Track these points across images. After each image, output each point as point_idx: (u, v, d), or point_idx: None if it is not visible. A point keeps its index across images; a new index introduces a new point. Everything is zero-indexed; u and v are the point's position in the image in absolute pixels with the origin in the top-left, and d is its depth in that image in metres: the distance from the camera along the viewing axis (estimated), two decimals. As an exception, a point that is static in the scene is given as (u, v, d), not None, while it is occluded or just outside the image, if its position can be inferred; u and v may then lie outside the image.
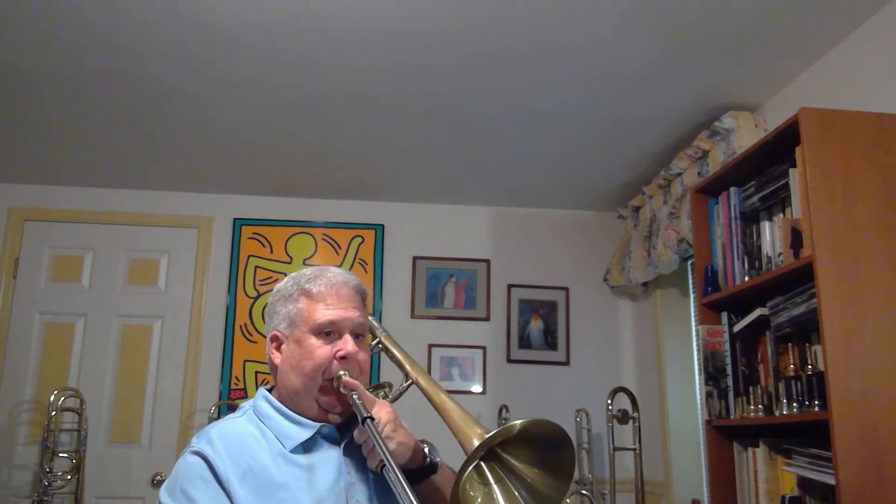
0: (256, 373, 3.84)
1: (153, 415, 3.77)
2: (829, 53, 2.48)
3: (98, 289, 3.89)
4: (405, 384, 1.48)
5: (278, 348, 1.37)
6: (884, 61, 2.21)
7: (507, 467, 1.25)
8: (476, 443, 1.20)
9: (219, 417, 3.60)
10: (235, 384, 3.82)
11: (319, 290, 1.35)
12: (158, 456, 3.70)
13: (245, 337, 3.88)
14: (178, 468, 1.24)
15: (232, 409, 3.63)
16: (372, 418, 1.21)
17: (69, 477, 3.40)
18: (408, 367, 1.48)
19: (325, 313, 1.33)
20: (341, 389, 1.29)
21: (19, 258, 3.87)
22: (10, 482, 3.61)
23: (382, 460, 1.16)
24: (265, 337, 1.42)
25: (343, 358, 1.31)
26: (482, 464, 1.25)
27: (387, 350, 1.56)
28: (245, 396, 3.79)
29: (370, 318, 1.58)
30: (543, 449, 1.23)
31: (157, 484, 3.65)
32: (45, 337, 3.81)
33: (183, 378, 3.81)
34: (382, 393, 1.54)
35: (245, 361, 3.85)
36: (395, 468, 1.12)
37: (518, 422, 1.20)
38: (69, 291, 3.87)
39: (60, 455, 3.41)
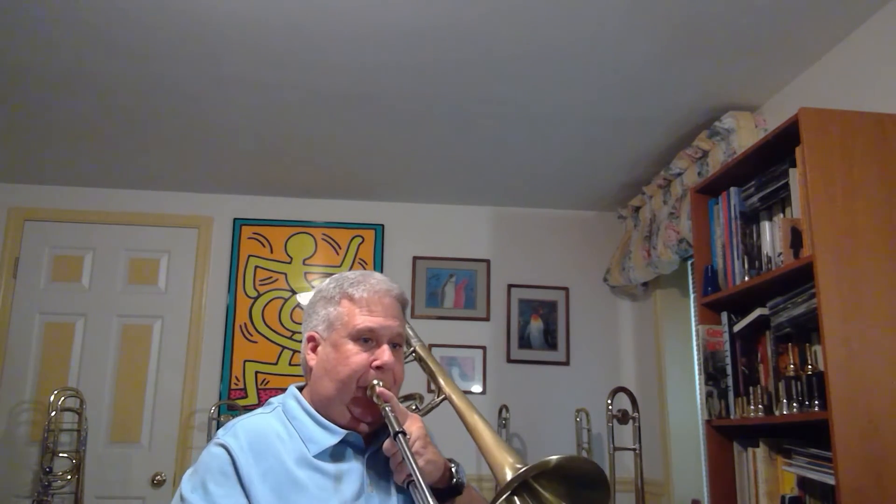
0: (256, 373, 3.84)
1: (153, 415, 3.77)
2: (829, 53, 2.48)
3: (98, 289, 3.89)
4: (437, 399, 1.44)
5: (314, 350, 1.35)
6: (884, 61, 2.21)
7: (537, 498, 1.22)
8: (509, 474, 1.17)
9: (219, 417, 3.61)
10: (235, 384, 3.82)
11: (362, 295, 1.33)
12: (158, 456, 3.71)
13: (245, 337, 3.88)
14: (202, 459, 1.23)
15: (232, 409, 3.67)
16: (404, 433, 1.19)
17: (69, 477, 3.40)
18: (441, 381, 1.44)
19: (365, 319, 1.31)
20: (375, 399, 1.26)
21: (19, 258, 3.87)
22: (10, 482, 3.61)
23: (410, 475, 1.15)
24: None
25: (379, 368, 1.29)
26: (513, 495, 1.21)
27: (420, 360, 1.53)
28: (245, 396, 3.79)
29: (407, 326, 1.55)
30: (578, 485, 1.20)
31: (157, 484, 3.65)
32: (45, 337, 3.81)
33: (183, 378, 3.81)
34: (413, 405, 1.52)
35: (245, 361, 3.85)
36: (425, 487, 1.10)
37: (554, 457, 1.17)
38: (69, 291, 3.87)
39: (60, 455, 3.42)
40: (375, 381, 1.28)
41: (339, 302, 1.34)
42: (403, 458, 1.17)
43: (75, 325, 3.84)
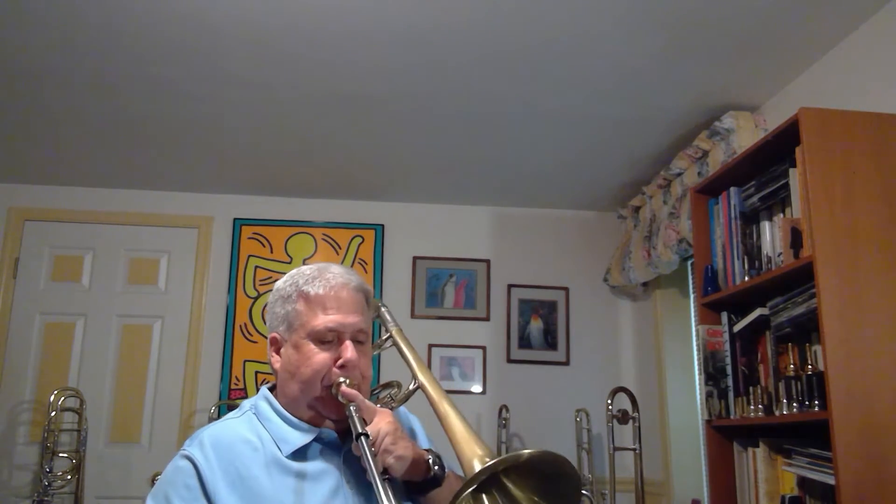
0: (256, 373, 3.84)
1: (153, 415, 3.77)
2: (829, 53, 2.48)
3: (98, 289, 3.89)
4: (411, 387, 1.41)
5: (277, 351, 1.32)
6: (884, 61, 2.21)
7: (505, 494, 1.18)
8: (477, 467, 1.13)
9: (219, 418, 3.60)
10: (235, 384, 3.82)
11: (318, 292, 1.28)
12: (158, 456, 3.70)
13: (245, 337, 3.88)
14: (166, 472, 1.21)
15: (232, 409, 3.65)
16: (367, 435, 1.16)
17: (69, 477, 3.40)
18: (415, 368, 1.41)
19: (323, 319, 1.26)
20: (339, 399, 1.23)
21: (19, 258, 3.87)
22: (10, 482, 3.61)
23: (383, 473, 1.13)
24: (266, 337, 1.37)
25: (343, 366, 1.26)
26: (480, 489, 1.18)
27: (397, 346, 1.50)
28: (245, 396, 3.78)
29: (384, 309, 1.52)
30: (546, 479, 1.16)
31: (157, 484, 3.65)
32: (45, 337, 3.81)
33: (183, 378, 3.81)
34: (388, 395, 1.50)
35: (245, 361, 3.85)
36: (382, 489, 1.07)
37: (526, 451, 1.13)
38: (69, 291, 3.87)
39: (60, 455, 3.41)
40: (341, 380, 1.25)
41: (295, 301, 1.29)
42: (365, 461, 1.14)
43: (75, 325, 3.84)
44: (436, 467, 1.26)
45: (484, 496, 1.18)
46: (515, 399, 3.82)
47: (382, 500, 1.05)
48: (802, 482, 2.07)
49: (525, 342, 4.01)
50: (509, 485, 1.18)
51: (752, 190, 2.32)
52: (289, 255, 4.01)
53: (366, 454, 1.13)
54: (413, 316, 3.98)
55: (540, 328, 4.03)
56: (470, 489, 1.13)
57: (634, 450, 3.23)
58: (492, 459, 1.13)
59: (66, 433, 3.53)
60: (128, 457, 3.71)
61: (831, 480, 1.83)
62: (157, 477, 3.83)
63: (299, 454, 1.24)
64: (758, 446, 2.25)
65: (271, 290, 1.37)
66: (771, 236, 2.24)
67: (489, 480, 1.17)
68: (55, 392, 3.48)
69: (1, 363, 3.73)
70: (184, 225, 4.00)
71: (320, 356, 1.26)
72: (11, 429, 3.68)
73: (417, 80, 2.75)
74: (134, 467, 3.69)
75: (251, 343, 3.88)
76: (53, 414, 3.42)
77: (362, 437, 1.15)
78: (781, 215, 2.23)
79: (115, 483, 3.66)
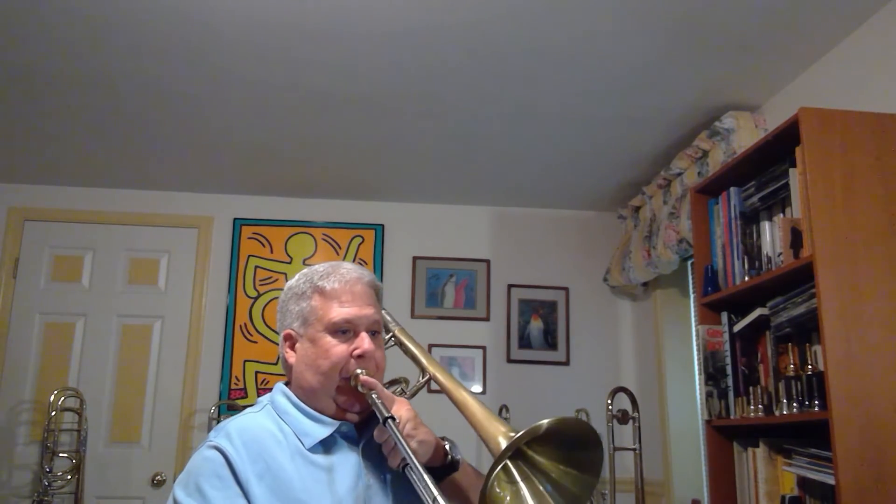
0: (256, 373, 3.84)
1: (153, 415, 3.77)
2: (829, 53, 2.48)
3: (98, 289, 3.89)
4: (422, 380, 1.44)
5: (292, 347, 1.35)
6: (884, 61, 2.21)
7: (533, 465, 1.23)
8: (503, 443, 1.17)
9: (219, 417, 3.61)
10: (235, 384, 3.82)
11: (333, 287, 1.32)
12: (158, 456, 3.70)
13: (245, 337, 3.88)
14: (194, 462, 1.22)
15: (232, 409, 3.67)
16: (393, 418, 1.19)
17: (69, 477, 3.40)
18: (424, 362, 1.45)
19: (340, 311, 1.30)
20: (359, 388, 1.27)
21: (19, 258, 3.87)
22: (10, 482, 3.61)
23: (404, 459, 1.16)
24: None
25: (360, 356, 1.29)
26: (508, 462, 1.22)
27: (401, 344, 1.53)
28: (245, 396, 3.79)
29: (383, 311, 1.54)
30: (571, 447, 1.21)
31: (157, 484, 3.65)
32: (45, 337, 3.81)
33: (183, 378, 3.81)
34: (399, 389, 1.52)
35: (245, 361, 3.85)
36: (420, 468, 1.11)
37: (545, 421, 1.16)
38: (69, 291, 3.87)
39: (60, 455, 3.41)
40: (358, 370, 1.28)
41: (310, 297, 1.33)
42: (395, 443, 1.18)
43: (75, 325, 3.84)
44: (452, 454, 1.30)
45: (514, 470, 1.22)
46: (515, 399, 3.81)
47: (421, 473, 1.10)
48: (802, 482, 2.07)
49: (525, 342, 4.01)
50: (536, 456, 1.23)
51: (752, 190, 2.32)
52: (289, 255, 4.01)
53: (395, 435, 1.17)
54: (413, 316, 3.98)
55: (540, 328, 4.03)
56: (501, 465, 1.17)
57: (634, 450, 3.23)
58: (516, 434, 1.17)
59: (66, 433, 3.54)
60: (128, 457, 3.71)
61: (831, 480, 1.83)
62: (157, 477, 3.82)
63: (320, 447, 1.27)
64: (758, 446, 2.25)
65: (281, 290, 1.40)
66: (771, 236, 2.24)
67: (515, 455, 1.22)
68: (55, 392, 3.48)
69: (1, 363, 3.73)
70: (184, 225, 4.00)
71: (338, 348, 1.29)
72: (11, 429, 3.68)
73: (418, 81, 2.75)
74: (134, 467, 3.69)
75: (251, 343, 3.87)
76: (53, 414, 3.43)
77: (389, 420, 1.18)
78: (781, 215, 2.23)
79: (115, 483, 3.66)
